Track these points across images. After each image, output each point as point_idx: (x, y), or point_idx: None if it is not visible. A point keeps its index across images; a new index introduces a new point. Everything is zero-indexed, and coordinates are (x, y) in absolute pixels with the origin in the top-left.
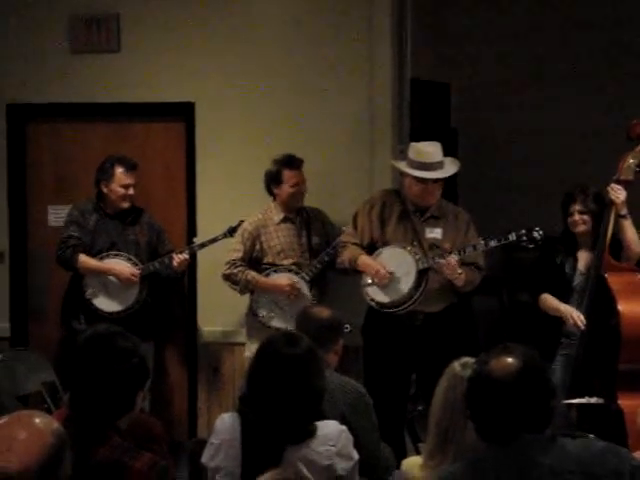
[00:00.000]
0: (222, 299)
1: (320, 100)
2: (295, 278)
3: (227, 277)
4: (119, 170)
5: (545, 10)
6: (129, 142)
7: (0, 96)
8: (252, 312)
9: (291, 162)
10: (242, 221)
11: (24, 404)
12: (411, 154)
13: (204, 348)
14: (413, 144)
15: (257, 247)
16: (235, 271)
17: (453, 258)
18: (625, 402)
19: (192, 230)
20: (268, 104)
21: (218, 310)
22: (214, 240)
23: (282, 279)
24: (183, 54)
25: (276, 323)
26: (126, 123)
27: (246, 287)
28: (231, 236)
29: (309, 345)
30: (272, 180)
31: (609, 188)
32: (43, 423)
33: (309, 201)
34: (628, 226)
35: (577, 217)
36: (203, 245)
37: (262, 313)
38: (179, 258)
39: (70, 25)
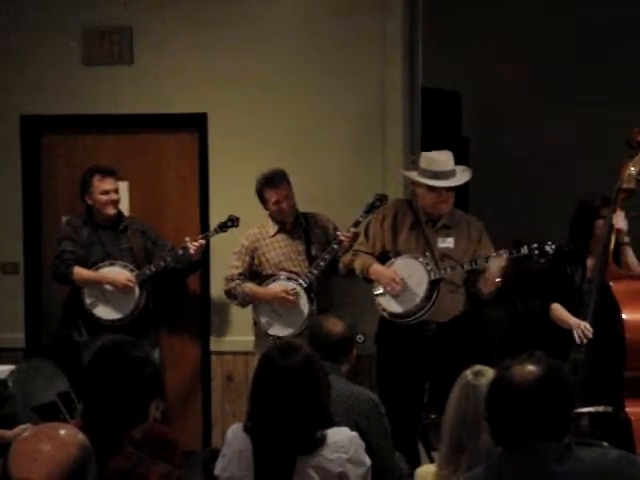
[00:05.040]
0: (236, 308)
1: (332, 108)
2: (291, 285)
3: (227, 293)
4: (96, 178)
5: (559, 24)
6: (142, 153)
7: (14, 108)
8: (254, 321)
9: (270, 181)
10: (231, 216)
11: (40, 415)
12: (423, 163)
13: (218, 357)
14: (424, 153)
15: (256, 261)
16: (233, 285)
17: (504, 258)
18: (632, 410)
19: (206, 242)
20: (280, 113)
21: (232, 319)
22: (206, 236)
23: (276, 287)
24: (195, 65)
25: (275, 331)
26: (139, 134)
27: (244, 299)
28: (222, 231)
29: (306, 353)
30: (259, 199)
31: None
32: (68, 435)
33: (321, 206)
34: (629, 253)
35: (604, 222)
36: (207, 236)
37: (262, 321)
38: (195, 246)
39: (83, 37)
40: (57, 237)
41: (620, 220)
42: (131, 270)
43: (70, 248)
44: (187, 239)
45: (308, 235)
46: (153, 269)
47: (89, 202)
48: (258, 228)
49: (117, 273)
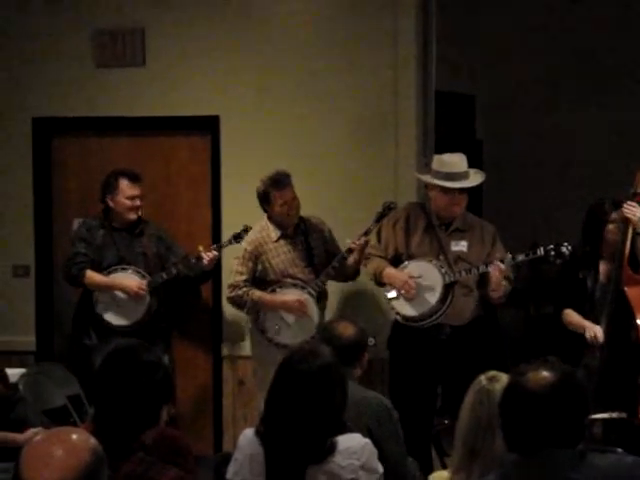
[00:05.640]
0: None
1: (344, 110)
2: (303, 295)
3: (232, 300)
4: (124, 182)
5: (573, 26)
6: (154, 156)
7: (26, 110)
8: (258, 329)
9: (277, 183)
10: (245, 226)
11: (50, 418)
12: (435, 165)
13: (229, 361)
14: (437, 156)
15: (259, 267)
16: (240, 293)
17: (501, 265)
18: None
19: (217, 243)
20: (292, 116)
21: (243, 324)
22: (219, 247)
23: (289, 296)
24: (208, 68)
25: (283, 339)
26: (151, 137)
27: (253, 308)
28: (236, 242)
29: (327, 359)
30: (262, 201)
31: (624, 207)
32: (80, 440)
33: (332, 210)
34: None
35: (613, 226)
36: (220, 247)
37: (269, 329)
38: (208, 256)
39: (95, 39)
40: (72, 237)
41: (636, 211)
42: (143, 276)
43: (83, 250)
44: (200, 248)
45: (308, 240)
46: (165, 277)
47: (110, 204)
48: (259, 232)
49: (129, 279)
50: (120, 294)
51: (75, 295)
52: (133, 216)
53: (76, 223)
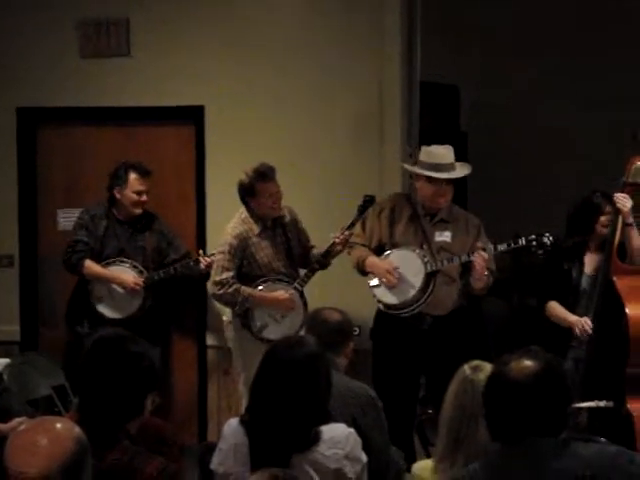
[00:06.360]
0: None
1: (329, 102)
2: (291, 290)
3: (220, 297)
4: (133, 176)
5: (559, 16)
6: (139, 146)
7: (10, 100)
8: (244, 324)
9: (263, 175)
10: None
11: (35, 408)
12: (423, 156)
13: (214, 351)
14: (425, 147)
15: (245, 261)
16: (230, 290)
17: (484, 254)
18: (634, 405)
19: (202, 233)
20: (277, 109)
21: (228, 312)
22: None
23: (280, 292)
24: (193, 57)
25: (269, 334)
26: (136, 127)
27: (243, 305)
28: None
29: (313, 349)
30: (245, 193)
31: (615, 197)
32: (64, 429)
33: (318, 203)
34: (634, 235)
35: (606, 218)
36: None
37: (256, 325)
38: (206, 261)
39: (80, 29)
40: (75, 223)
41: (627, 202)
42: (140, 271)
43: (85, 239)
44: (200, 252)
45: (286, 232)
46: (162, 275)
47: (117, 196)
48: (242, 225)
49: (126, 273)
50: (116, 287)
51: (60, 284)
52: (138, 211)
53: (60, 215)
